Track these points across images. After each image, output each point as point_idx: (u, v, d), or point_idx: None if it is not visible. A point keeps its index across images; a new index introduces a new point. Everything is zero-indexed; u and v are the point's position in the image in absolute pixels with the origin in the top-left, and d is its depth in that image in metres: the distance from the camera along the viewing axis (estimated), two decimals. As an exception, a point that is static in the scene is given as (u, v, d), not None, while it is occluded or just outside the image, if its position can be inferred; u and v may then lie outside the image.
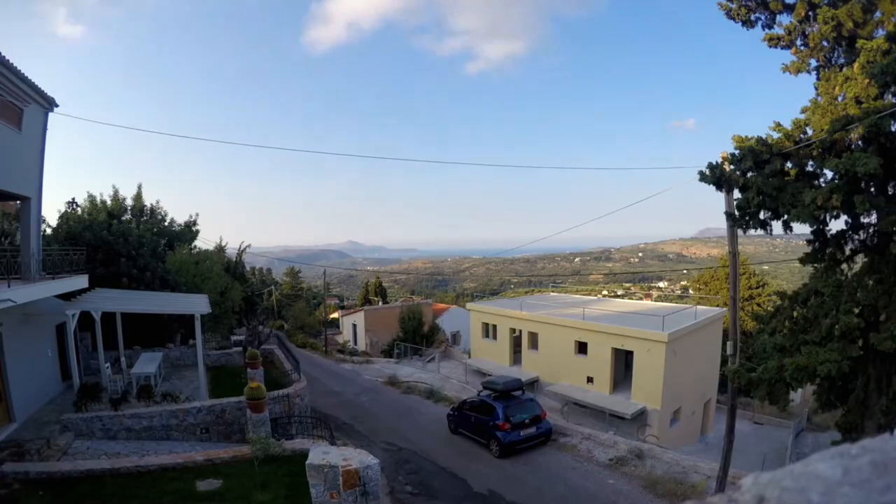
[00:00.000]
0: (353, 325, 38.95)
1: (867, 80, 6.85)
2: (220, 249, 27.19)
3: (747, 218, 8.77)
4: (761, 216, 8.65)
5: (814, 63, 8.86)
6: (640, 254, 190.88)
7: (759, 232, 8.88)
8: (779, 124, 8.48)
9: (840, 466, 0.47)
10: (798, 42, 8.92)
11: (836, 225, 8.49)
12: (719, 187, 8.91)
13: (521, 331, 23.60)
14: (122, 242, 18.92)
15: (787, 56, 9.05)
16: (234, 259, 31.44)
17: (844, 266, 8.86)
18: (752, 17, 9.22)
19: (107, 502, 8.02)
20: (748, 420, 22.63)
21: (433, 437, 14.13)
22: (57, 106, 13.13)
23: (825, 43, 8.58)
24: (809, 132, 8.22)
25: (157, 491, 8.43)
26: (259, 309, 39.06)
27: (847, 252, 8.78)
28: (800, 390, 20.74)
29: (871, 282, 8.03)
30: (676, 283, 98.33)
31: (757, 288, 31.89)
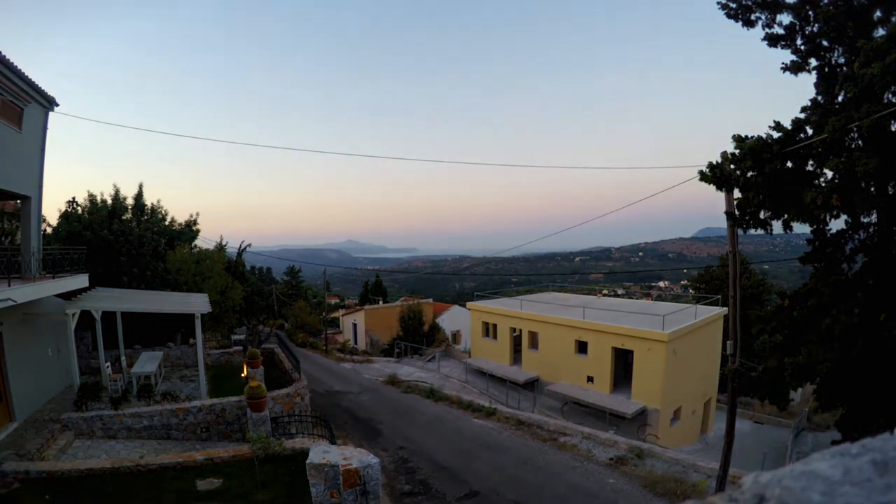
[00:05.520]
0: (353, 325, 38.97)
1: (867, 80, 6.84)
2: (221, 249, 27.18)
3: (747, 217, 8.76)
4: (761, 216, 8.65)
5: (814, 62, 8.85)
6: (640, 253, 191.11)
7: (760, 231, 8.87)
8: (779, 124, 8.47)
9: (840, 466, 0.47)
10: (798, 41, 8.91)
11: (836, 224, 8.49)
12: (719, 187, 8.90)
13: (521, 330, 23.61)
14: (123, 242, 18.92)
15: (787, 55, 9.04)
16: (235, 258, 31.45)
17: (844, 266, 8.86)
18: (753, 17, 9.21)
19: (107, 501, 8.02)
20: (748, 419, 22.64)
21: (434, 435, 14.14)
22: (57, 105, 13.13)
23: (825, 42, 8.57)
24: (809, 132, 8.21)
25: (157, 490, 8.44)
26: (260, 308, 39.06)
27: (847, 252, 8.78)
28: (800, 390, 20.74)
29: (871, 282, 8.03)
30: (677, 283, 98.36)
31: (757, 287, 31.86)
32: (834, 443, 7.69)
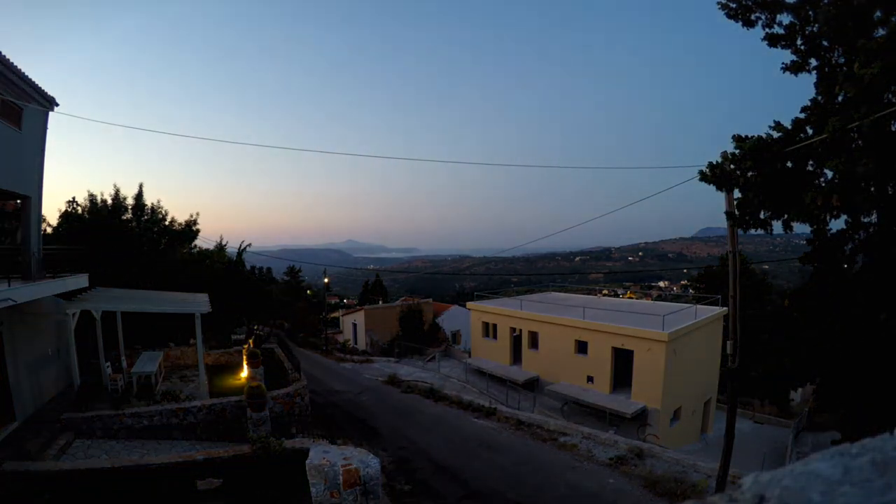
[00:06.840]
0: (353, 325, 38.97)
1: (867, 80, 6.84)
2: (221, 249, 27.18)
3: (747, 217, 8.77)
4: (761, 216, 8.65)
5: (814, 62, 8.86)
6: (640, 253, 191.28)
7: (760, 231, 8.88)
8: (779, 124, 8.48)
9: (840, 466, 0.48)
10: (798, 41, 8.91)
11: (837, 224, 8.50)
12: (719, 187, 8.90)
13: (521, 330, 23.61)
14: (123, 242, 18.91)
15: (788, 55, 9.05)
16: (234, 258, 31.46)
17: (844, 266, 8.87)
18: (753, 17, 9.22)
19: (107, 501, 8.03)
20: (748, 419, 22.62)
21: (434, 435, 14.13)
22: (57, 105, 13.12)
23: (825, 42, 8.58)
24: (810, 132, 8.22)
25: (157, 490, 8.44)
26: (260, 308, 39.04)
27: (847, 252, 8.78)
28: (800, 390, 20.75)
29: (871, 281, 8.03)
30: (677, 283, 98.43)
31: (757, 287, 31.83)
32: (834, 443, 7.70)
